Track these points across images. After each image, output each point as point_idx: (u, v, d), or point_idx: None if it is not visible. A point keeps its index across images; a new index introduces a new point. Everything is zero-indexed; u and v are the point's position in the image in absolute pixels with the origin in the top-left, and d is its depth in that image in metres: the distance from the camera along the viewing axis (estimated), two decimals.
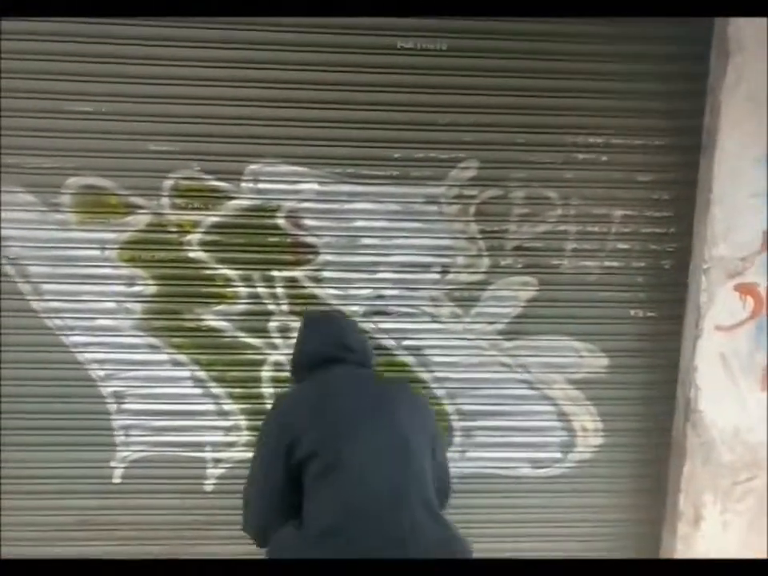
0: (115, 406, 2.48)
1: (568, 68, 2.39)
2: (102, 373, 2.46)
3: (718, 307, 2.42)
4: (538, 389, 2.56)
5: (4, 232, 2.37)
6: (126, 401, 2.48)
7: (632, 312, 2.55)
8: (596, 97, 2.43)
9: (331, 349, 1.95)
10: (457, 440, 2.57)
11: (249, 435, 2.50)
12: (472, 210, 2.45)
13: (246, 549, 2.58)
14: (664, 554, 2.63)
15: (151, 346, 2.45)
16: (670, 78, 2.42)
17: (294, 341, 2.10)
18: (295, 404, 1.83)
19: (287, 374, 2.46)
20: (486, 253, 2.47)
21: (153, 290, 2.42)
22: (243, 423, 2.51)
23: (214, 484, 2.54)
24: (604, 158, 2.46)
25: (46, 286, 2.41)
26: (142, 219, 2.39)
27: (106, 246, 2.40)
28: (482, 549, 2.61)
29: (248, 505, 1.83)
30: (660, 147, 2.47)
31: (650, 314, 2.55)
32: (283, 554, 1.68)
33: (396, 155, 2.41)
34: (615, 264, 2.52)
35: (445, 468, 1.97)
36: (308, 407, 1.77)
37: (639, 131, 2.46)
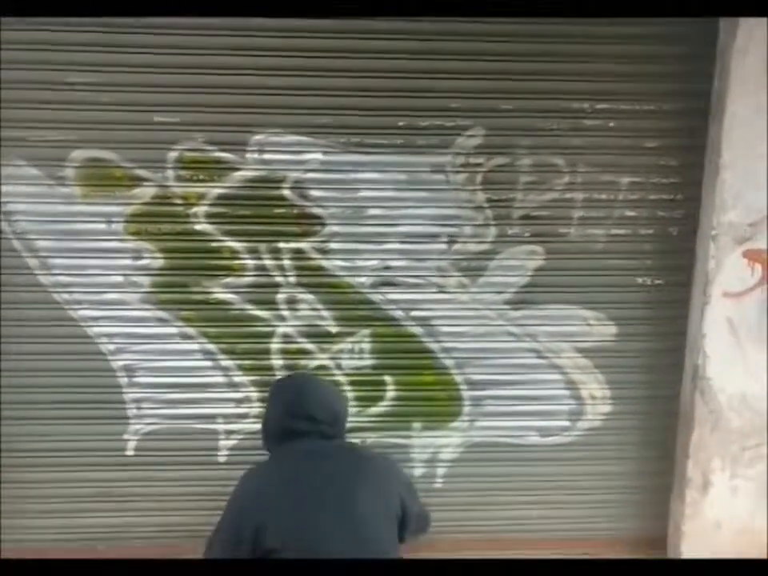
0: (126, 379, 2.49)
1: (574, 32, 2.35)
2: (111, 346, 2.47)
3: (726, 274, 2.41)
4: (545, 357, 2.56)
5: (10, 206, 2.37)
6: (137, 374, 2.49)
7: (639, 280, 2.54)
8: (602, 61, 2.39)
9: (294, 421, 1.89)
10: (466, 409, 2.58)
11: (259, 407, 2.51)
12: (479, 178, 2.43)
13: None
14: (673, 520, 2.65)
15: (160, 319, 2.46)
16: (678, 40, 2.38)
17: (265, 406, 2.06)
18: (259, 492, 1.79)
19: (295, 346, 2.51)
20: (492, 222, 2.46)
21: (160, 263, 2.42)
22: (254, 395, 2.53)
23: (226, 455, 2.56)
24: (611, 124, 2.44)
25: (53, 260, 2.41)
26: (147, 192, 2.38)
27: (112, 220, 2.39)
28: (490, 516, 2.66)
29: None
30: (667, 112, 2.44)
31: (657, 282, 2.54)
32: None
33: (401, 123, 2.39)
34: (622, 231, 2.50)
35: (422, 515, 2.03)
36: (269, 499, 1.75)
37: (647, 96, 2.43)
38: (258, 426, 2.47)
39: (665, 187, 2.48)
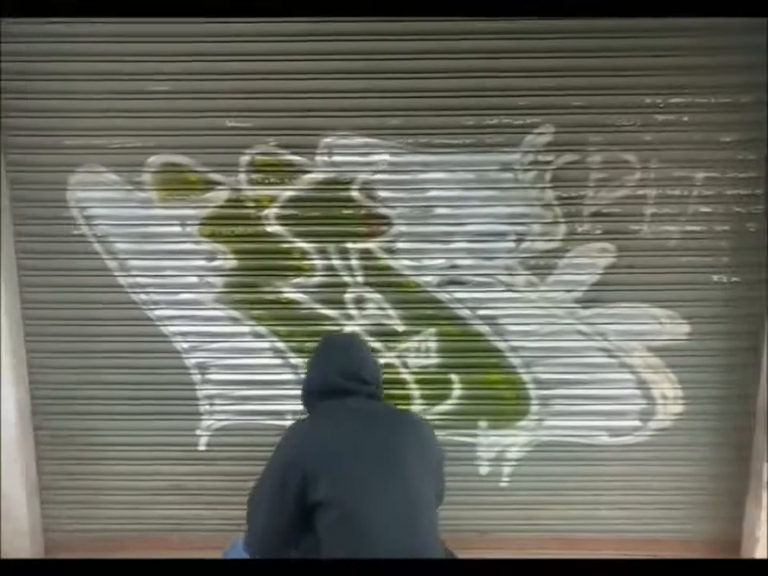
0: (199, 376, 2.57)
1: (644, 26, 2.31)
2: (186, 345, 2.56)
3: None
4: (616, 356, 2.53)
5: (92, 211, 2.47)
6: (210, 371, 2.57)
7: (715, 277, 2.47)
8: (675, 55, 2.34)
9: (344, 381, 1.87)
10: (533, 408, 2.57)
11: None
12: (548, 176, 2.41)
13: None
14: (747, 524, 2.58)
15: (232, 319, 2.53)
16: (754, 30, 2.30)
17: (308, 363, 2.01)
18: (308, 443, 1.75)
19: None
20: (562, 219, 2.44)
21: (232, 263, 2.49)
22: None
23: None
24: (685, 119, 2.38)
25: (131, 262, 2.50)
26: (220, 195, 2.44)
27: (187, 222, 2.47)
28: (557, 516, 2.65)
29: (251, 527, 1.78)
30: (744, 105, 2.37)
31: (733, 279, 2.47)
32: None
33: (469, 122, 2.39)
34: (697, 228, 2.44)
35: (444, 483, 2.01)
36: (320, 449, 1.71)
37: (722, 89, 2.36)
38: None
39: (742, 182, 2.41)
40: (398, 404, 2.47)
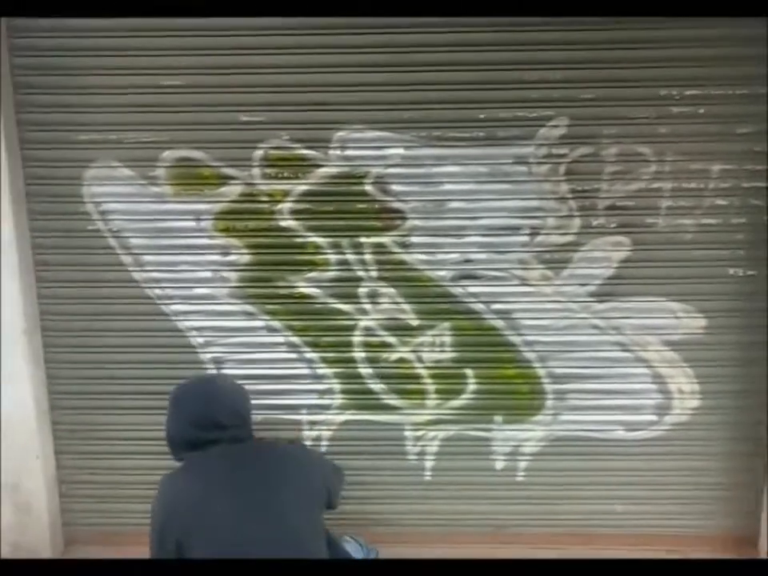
0: (215, 371, 2.58)
1: (658, 17, 2.28)
2: (201, 339, 2.56)
3: None
4: (631, 351, 2.51)
5: (106, 206, 2.48)
6: (225, 366, 2.58)
7: (731, 271, 2.45)
8: (690, 46, 2.31)
9: (202, 432, 1.84)
10: (549, 403, 2.56)
11: (342, 398, 2.58)
12: (562, 169, 2.39)
13: (342, 508, 2.69)
14: (764, 518, 2.56)
15: (247, 313, 2.53)
16: None
17: (167, 415, 1.97)
18: (176, 505, 1.75)
19: (377, 339, 2.54)
20: (576, 213, 2.42)
21: (247, 258, 2.49)
22: (337, 386, 2.58)
23: (310, 445, 2.61)
24: (701, 111, 2.36)
25: (145, 257, 2.51)
26: (234, 190, 2.44)
27: (201, 217, 2.47)
28: (573, 511, 2.64)
29: None
30: (761, 96, 2.33)
31: (750, 273, 2.45)
32: None
33: (482, 116, 2.38)
34: (713, 221, 2.42)
35: (340, 479, 2.11)
36: (188, 510, 1.72)
37: (738, 80, 2.33)
38: (343, 418, 2.60)
39: (758, 174, 2.38)
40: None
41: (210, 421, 1.85)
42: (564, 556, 2.51)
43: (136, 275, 2.52)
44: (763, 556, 2.57)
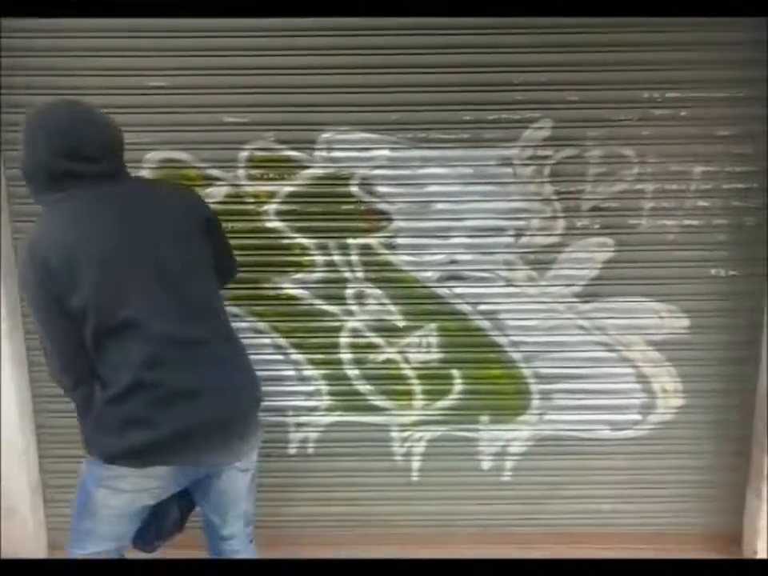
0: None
1: (642, 21, 2.30)
2: None
3: None
4: (616, 351, 2.53)
5: None
6: None
7: (713, 271, 2.48)
8: (672, 49, 2.35)
9: (65, 162, 1.58)
10: (534, 403, 2.58)
11: (330, 400, 2.57)
12: (547, 170, 2.41)
13: (329, 510, 2.68)
14: (748, 517, 2.59)
15: (232, 315, 2.49)
16: (750, 25, 2.31)
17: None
18: (48, 249, 1.55)
19: (364, 340, 2.53)
20: (561, 214, 2.44)
21: None
22: (324, 388, 2.57)
23: (296, 447, 2.61)
24: (682, 113, 2.39)
25: None
26: (220, 191, 2.43)
27: None
28: (559, 510, 2.65)
29: (46, 356, 1.68)
30: (741, 99, 2.38)
31: (731, 273, 2.48)
32: (101, 420, 1.65)
33: (467, 118, 2.39)
34: (695, 222, 2.45)
35: (226, 244, 1.96)
36: (63, 254, 1.55)
37: (719, 83, 2.37)
38: (329, 420, 2.59)
39: (739, 176, 2.42)
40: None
41: (76, 149, 1.59)
42: (551, 555, 2.54)
43: None
44: (746, 554, 2.60)
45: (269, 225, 2.46)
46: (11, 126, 2.37)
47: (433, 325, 2.53)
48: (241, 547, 1.96)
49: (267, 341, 2.54)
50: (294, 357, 2.55)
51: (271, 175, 2.43)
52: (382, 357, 2.55)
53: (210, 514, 1.90)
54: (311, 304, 2.51)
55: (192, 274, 1.71)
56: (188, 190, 1.93)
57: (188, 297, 1.69)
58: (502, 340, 2.53)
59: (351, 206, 2.45)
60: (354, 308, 2.52)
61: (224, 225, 2.40)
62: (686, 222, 2.45)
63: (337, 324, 2.53)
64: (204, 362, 1.69)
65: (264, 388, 2.52)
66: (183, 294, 1.68)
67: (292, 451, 2.62)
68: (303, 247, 2.48)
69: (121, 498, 1.72)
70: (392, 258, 2.49)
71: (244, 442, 1.79)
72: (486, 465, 2.63)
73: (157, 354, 1.62)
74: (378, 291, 2.50)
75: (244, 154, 2.41)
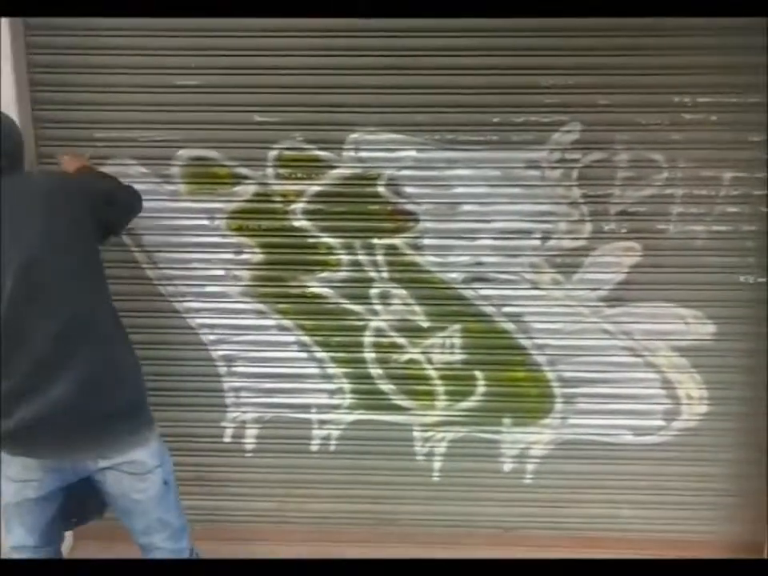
0: (225, 368, 2.60)
1: (674, 24, 2.29)
2: (212, 337, 2.58)
3: None
4: (641, 356, 2.52)
5: None
6: (236, 364, 2.59)
7: (741, 278, 2.46)
8: (704, 54, 2.32)
9: None
10: (557, 406, 2.57)
11: (352, 398, 2.60)
12: (575, 174, 2.40)
13: (351, 507, 2.70)
14: None
15: (258, 312, 2.55)
16: None
17: None
18: None
19: (387, 340, 2.55)
20: (588, 218, 2.43)
21: (259, 257, 2.50)
22: (346, 386, 2.59)
23: (319, 444, 2.64)
24: (713, 118, 2.37)
25: (158, 254, 2.53)
26: (248, 189, 2.46)
27: (215, 216, 2.48)
28: (580, 514, 2.65)
29: None
30: None
31: (760, 280, 2.46)
32: None
33: (495, 120, 2.39)
34: (724, 228, 2.43)
35: (116, 215, 1.98)
36: None
37: (751, 88, 2.34)
38: (352, 417, 2.61)
39: None
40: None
41: None
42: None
43: (149, 272, 2.54)
44: None
45: (296, 224, 2.47)
46: (44, 123, 2.41)
47: (457, 326, 2.53)
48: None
49: (292, 338, 2.56)
50: (318, 355, 2.57)
51: (299, 174, 2.45)
52: (406, 357, 2.56)
53: (121, 519, 1.91)
54: (336, 303, 2.53)
55: (62, 275, 1.71)
56: (80, 184, 1.89)
57: (57, 299, 1.70)
58: (526, 343, 2.53)
59: (378, 207, 2.46)
60: (378, 308, 2.53)
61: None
62: (715, 227, 2.43)
63: (361, 323, 2.54)
64: (67, 359, 1.70)
65: (290, 385, 2.61)
66: (51, 295, 1.69)
67: (314, 448, 2.65)
68: (329, 246, 2.49)
69: (10, 486, 1.77)
70: (417, 259, 2.49)
71: (99, 442, 1.76)
72: (507, 467, 2.63)
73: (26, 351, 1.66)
74: (403, 291, 2.51)
75: (273, 153, 2.43)
